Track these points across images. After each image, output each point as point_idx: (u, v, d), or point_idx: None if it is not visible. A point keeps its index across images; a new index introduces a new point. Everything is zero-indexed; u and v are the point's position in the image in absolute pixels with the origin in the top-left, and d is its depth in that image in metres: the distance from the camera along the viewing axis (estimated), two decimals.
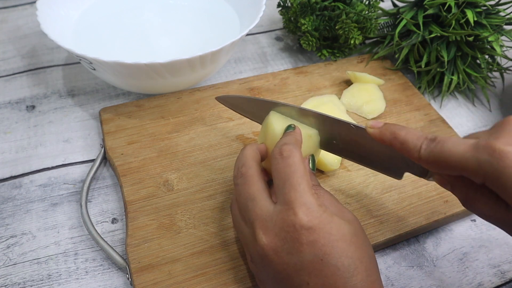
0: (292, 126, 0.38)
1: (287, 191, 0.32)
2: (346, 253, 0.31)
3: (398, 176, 0.38)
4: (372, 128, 0.36)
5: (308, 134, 0.39)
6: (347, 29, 0.57)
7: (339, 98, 0.54)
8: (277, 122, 0.39)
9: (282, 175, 0.33)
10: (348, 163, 0.47)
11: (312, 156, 0.39)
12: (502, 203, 0.31)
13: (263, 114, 0.42)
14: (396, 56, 0.58)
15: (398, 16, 0.59)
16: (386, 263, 0.42)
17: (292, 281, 0.31)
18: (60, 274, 0.39)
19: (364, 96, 0.53)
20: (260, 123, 0.43)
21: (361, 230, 0.33)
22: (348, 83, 0.57)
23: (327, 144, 0.40)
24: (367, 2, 0.60)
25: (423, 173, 0.36)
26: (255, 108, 0.43)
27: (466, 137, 0.33)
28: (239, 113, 0.45)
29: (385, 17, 0.61)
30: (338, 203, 0.35)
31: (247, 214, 0.34)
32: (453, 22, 0.52)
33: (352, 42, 0.57)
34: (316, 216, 0.31)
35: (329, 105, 0.50)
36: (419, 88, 0.59)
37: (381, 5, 0.71)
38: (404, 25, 0.57)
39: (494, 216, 0.32)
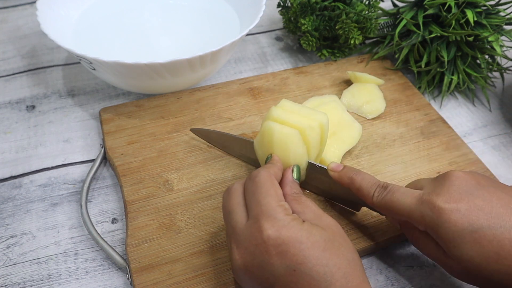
0: (269, 156, 0.40)
1: (254, 207, 0.33)
2: (321, 261, 0.30)
3: (356, 209, 0.43)
4: (333, 171, 0.40)
5: (311, 126, 0.40)
6: (347, 29, 0.57)
7: (339, 98, 0.54)
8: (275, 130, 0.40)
9: (250, 194, 0.34)
10: (349, 163, 0.47)
11: (297, 166, 0.40)
12: (440, 248, 0.34)
13: (235, 148, 0.46)
14: (396, 56, 0.58)
15: (398, 16, 0.59)
16: (386, 263, 0.42)
17: None
18: (60, 274, 0.39)
19: (364, 96, 0.53)
20: (234, 156, 0.47)
21: (339, 235, 0.33)
22: (348, 83, 0.57)
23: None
24: (367, 2, 0.60)
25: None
26: (226, 142, 0.46)
27: (411, 184, 0.39)
28: (214, 146, 0.47)
29: (385, 17, 0.61)
30: (318, 209, 0.35)
31: (227, 226, 0.35)
32: (453, 22, 0.52)
33: (352, 42, 0.57)
34: (283, 225, 0.31)
35: (331, 105, 0.50)
36: (419, 88, 0.59)
37: (381, 5, 0.71)
38: (404, 25, 0.57)
39: (434, 256, 0.36)
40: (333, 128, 0.48)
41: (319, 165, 0.41)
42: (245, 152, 0.45)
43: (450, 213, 0.32)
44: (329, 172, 0.40)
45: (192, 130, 0.47)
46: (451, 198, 0.33)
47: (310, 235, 0.31)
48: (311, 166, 0.41)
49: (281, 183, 0.38)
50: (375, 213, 0.43)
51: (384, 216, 0.43)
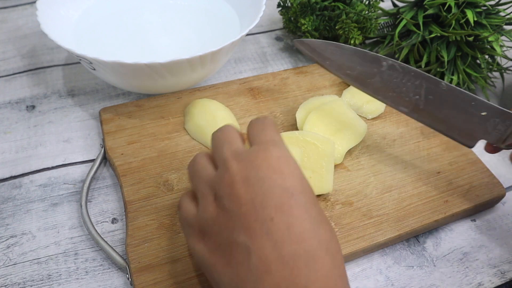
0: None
1: (259, 135, 0.33)
2: (313, 201, 0.30)
3: (471, 142, 0.39)
4: None
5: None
6: (347, 29, 0.57)
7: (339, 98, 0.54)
8: None
9: (253, 127, 0.34)
10: (349, 163, 0.47)
11: None
12: None
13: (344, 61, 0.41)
14: (396, 56, 0.58)
15: (398, 16, 0.59)
16: (386, 263, 0.42)
17: (256, 215, 0.28)
18: (60, 274, 0.39)
19: (364, 96, 0.53)
20: (337, 74, 0.43)
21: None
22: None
23: (407, 104, 0.41)
24: (367, 2, 0.60)
25: (500, 140, 0.37)
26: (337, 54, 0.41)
27: None
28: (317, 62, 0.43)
29: (385, 17, 0.61)
30: None
31: (219, 154, 0.33)
32: (453, 22, 0.52)
33: (352, 42, 0.57)
34: (292, 157, 0.31)
35: (334, 103, 0.50)
36: None
37: (381, 5, 0.71)
38: (404, 25, 0.57)
39: None
40: (337, 126, 0.48)
41: (447, 84, 0.38)
42: (358, 66, 0.41)
43: None
44: None
45: (297, 42, 0.43)
46: None
47: (306, 183, 0.31)
48: (435, 85, 0.38)
49: None
50: (375, 213, 0.43)
51: (392, 217, 0.43)
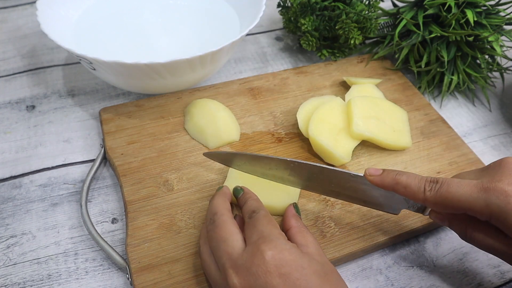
0: (239, 188, 0.41)
1: (254, 235, 0.33)
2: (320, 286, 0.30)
3: (396, 212, 0.40)
4: (372, 176, 0.37)
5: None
6: (347, 29, 0.57)
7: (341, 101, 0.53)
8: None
9: (250, 226, 0.35)
10: (349, 163, 0.47)
11: (295, 203, 0.41)
12: (503, 237, 0.33)
13: (256, 169, 0.43)
14: (396, 56, 0.58)
15: (398, 16, 0.59)
16: (386, 263, 0.42)
17: None
18: (60, 274, 0.39)
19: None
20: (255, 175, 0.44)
21: (336, 273, 0.33)
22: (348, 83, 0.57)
23: (326, 191, 0.42)
24: (367, 2, 0.60)
25: (420, 210, 0.38)
26: (246, 162, 0.43)
27: (457, 176, 0.37)
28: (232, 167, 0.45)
29: (385, 17, 0.61)
30: (318, 245, 0.36)
31: (218, 256, 0.34)
32: (453, 22, 0.52)
33: (352, 42, 0.57)
34: (285, 249, 0.31)
35: (334, 102, 0.50)
36: (419, 88, 0.59)
37: (381, 5, 0.71)
38: (404, 25, 0.57)
39: (496, 249, 0.34)
40: (341, 125, 0.48)
41: (354, 173, 0.39)
42: (270, 171, 0.42)
43: None
44: (367, 178, 0.37)
45: (206, 155, 0.44)
46: None
47: (311, 263, 0.32)
48: (345, 177, 0.39)
49: (285, 217, 0.40)
50: (375, 213, 0.43)
51: (392, 217, 0.43)
